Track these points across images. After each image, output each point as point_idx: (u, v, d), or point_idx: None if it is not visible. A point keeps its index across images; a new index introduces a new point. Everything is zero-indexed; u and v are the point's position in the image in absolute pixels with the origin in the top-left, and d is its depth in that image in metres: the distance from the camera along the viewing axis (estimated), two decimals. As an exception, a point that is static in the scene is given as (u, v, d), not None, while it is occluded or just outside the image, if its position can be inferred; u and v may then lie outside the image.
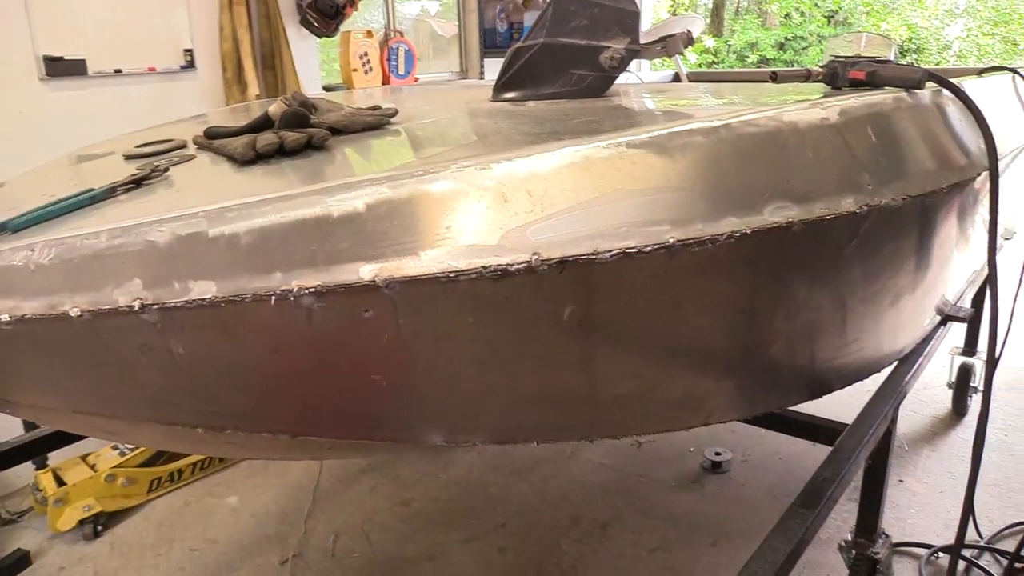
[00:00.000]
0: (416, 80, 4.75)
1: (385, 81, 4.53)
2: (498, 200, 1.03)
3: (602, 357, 1.19)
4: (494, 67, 5.40)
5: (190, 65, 3.54)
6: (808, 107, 1.37)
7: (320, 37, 4.15)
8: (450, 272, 0.98)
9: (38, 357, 1.00)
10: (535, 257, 1.00)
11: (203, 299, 0.95)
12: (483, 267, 0.99)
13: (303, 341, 1.01)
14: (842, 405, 2.16)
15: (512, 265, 0.99)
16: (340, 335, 1.01)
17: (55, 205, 1.11)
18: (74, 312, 0.94)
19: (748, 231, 1.14)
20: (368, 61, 4.39)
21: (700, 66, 13.19)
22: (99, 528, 2.76)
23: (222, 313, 0.96)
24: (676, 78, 4.37)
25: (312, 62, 4.18)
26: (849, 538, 2.28)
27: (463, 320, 1.04)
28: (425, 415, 1.21)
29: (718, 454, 3.08)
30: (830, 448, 1.83)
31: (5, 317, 0.94)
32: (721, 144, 1.20)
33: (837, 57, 1.69)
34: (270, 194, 1.02)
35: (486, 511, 2.83)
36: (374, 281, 0.96)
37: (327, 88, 4.32)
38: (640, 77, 4.24)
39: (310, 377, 1.08)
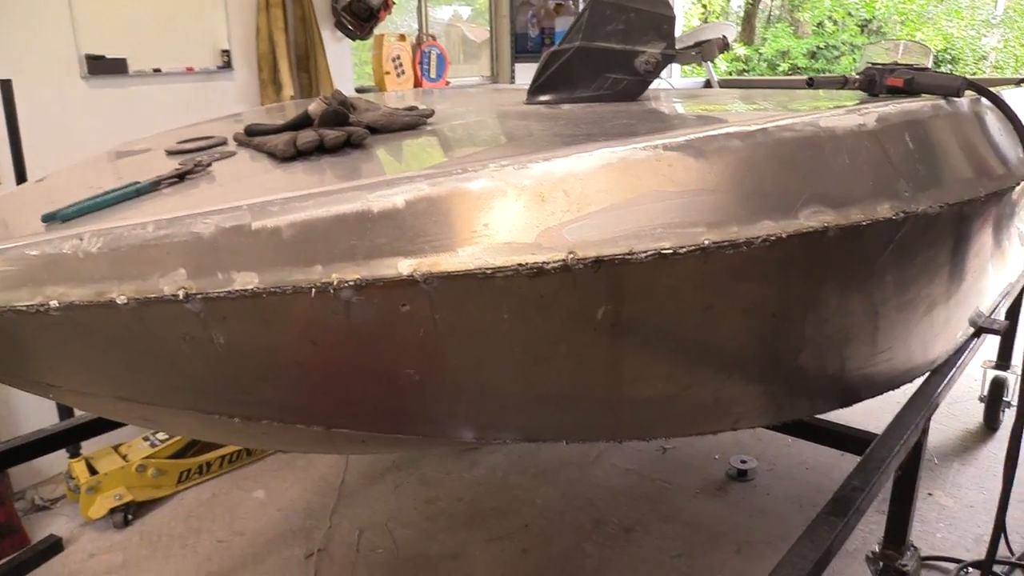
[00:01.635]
0: (447, 84, 4.78)
1: (417, 84, 4.57)
2: (535, 199, 1.05)
3: (634, 358, 1.20)
4: (524, 72, 5.45)
5: (227, 66, 3.59)
6: (845, 113, 1.36)
7: (354, 40, 4.20)
8: (487, 269, 0.99)
9: (84, 343, 1.03)
10: (571, 256, 1.01)
11: (245, 290, 0.97)
12: (519, 264, 1.00)
13: (341, 334, 1.03)
14: (869, 416, 2.15)
15: (548, 263, 1.01)
16: (377, 329, 1.03)
17: (103, 196, 1.14)
18: (121, 300, 0.96)
19: (783, 235, 1.14)
20: (400, 64, 4.43)
21: (731, 74, 13.13)
22: (129, 517, 2.81)
23: (263, 304, 0.98)
24: (707, 85, 4.36)
25: (345, 64, 4.23)
26: (877, 549, 2.26)
27: (498, 317, 1.06)
28: (457, 411, 1.22)
29: (743, 462, 3.06)
30: (858, 459, 1.82)
31: (54, 303, 0.96)
32: (758, 148, 1.20)
33: (874, 64, 1.69)
34: (311, 189, 1.05)
35: (510, 512, 2.84)
36: (412, 276, 0.98)
37: (359, 90, 4.36)
38: (671, 83, 4.24)
39: (346, 370, 1.10)
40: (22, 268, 0.98)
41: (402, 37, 4.45)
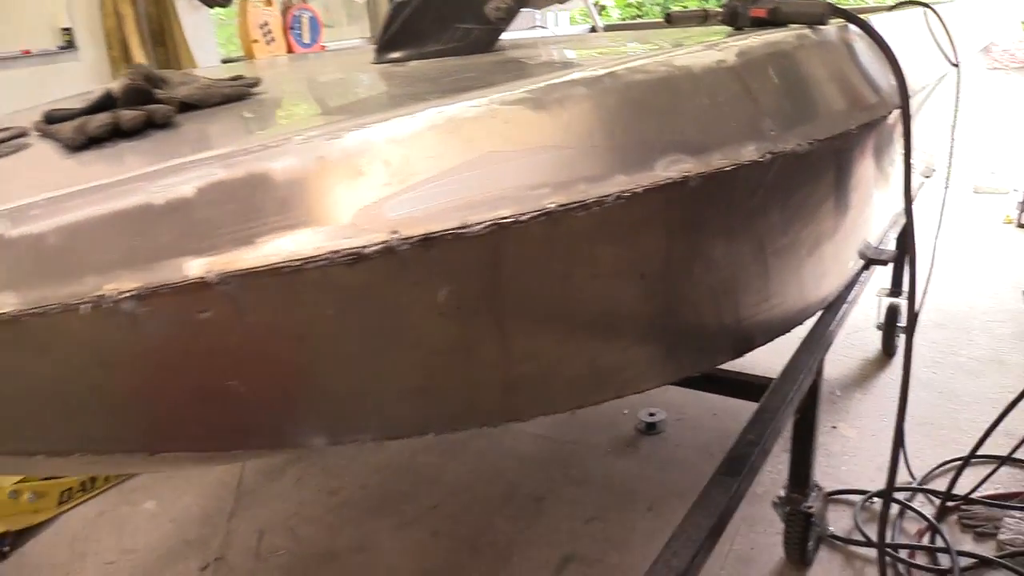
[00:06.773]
0: (323, 48, 4.52)
1: (289, 51, 4.31)
2: (350, 174, 0.91)
3: (489, 340, 1.08)
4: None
5: (70, 46, 3.28)
6: (703, 49, 1.26)
7: (212, 7, 3.90)
8: (294, 261, 0.85)
9: None
10: (394, 236, 0.88)
11: (3, 313, 0.81)
12: (332, 252, 0.86)
13: (134, 352, 0.88)
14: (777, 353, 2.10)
15: (367, 247, 0.87)
16: (176, 342, 0.88)
17: None
18: None
19: (639, 189, 1.04)
20: (269, 31, 4.16)
21: (623, 19, 13.05)
22: (5, 549, 2.58)
23: (30, 328, 0.82)
24: (592, 31, 4.25)
25: (207, 35, 3.93)
26: (783, 494, 2.25)
27: (321, 312, 0.92)
28: (298, 417, 1.08)
29: (652, 415, 3.03)
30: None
31: None
32: (606, 95, 1.08)
33: (738, -5, 1.59)
34: (87, 184, 0.88)
35: (418, 494, 2.73)
36: (204, 278, 0.83)
37: (226, 61, 4.09)
38: (554, 32, 4.10)
39: (152, 391, 0.94)
40: None
41: (269, 2, 4.16)
